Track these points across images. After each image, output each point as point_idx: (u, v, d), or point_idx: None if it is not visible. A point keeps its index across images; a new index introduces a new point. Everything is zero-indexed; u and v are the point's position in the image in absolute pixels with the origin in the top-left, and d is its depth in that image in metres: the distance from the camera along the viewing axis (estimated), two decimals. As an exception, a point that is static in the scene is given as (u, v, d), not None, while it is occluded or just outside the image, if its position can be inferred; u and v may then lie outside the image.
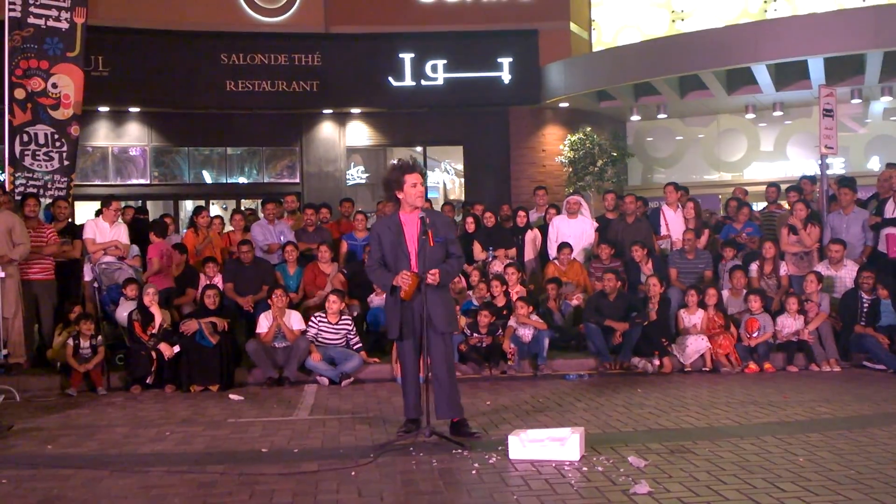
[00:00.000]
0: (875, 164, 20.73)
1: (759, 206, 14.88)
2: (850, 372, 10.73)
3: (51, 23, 12.52)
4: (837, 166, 20.32)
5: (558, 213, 13.72)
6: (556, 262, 12.69)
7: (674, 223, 12.91)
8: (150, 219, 14.27)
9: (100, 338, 10.47)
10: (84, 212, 13.97)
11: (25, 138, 12.28)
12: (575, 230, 13.14)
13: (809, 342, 11.00)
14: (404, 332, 7.19)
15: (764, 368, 10.88)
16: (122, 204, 13.17)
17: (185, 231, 14.31)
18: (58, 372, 10.48)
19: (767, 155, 22.58)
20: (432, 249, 7.02)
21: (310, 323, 10.86)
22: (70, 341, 10.28)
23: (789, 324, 11.12)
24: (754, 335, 11.01)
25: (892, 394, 9.12)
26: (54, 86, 12.49)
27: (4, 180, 12.37)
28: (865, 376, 10.40)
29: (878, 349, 10.71)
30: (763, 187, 14.54)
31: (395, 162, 7.57)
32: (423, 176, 7.35)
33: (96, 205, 12.60)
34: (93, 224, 11.88)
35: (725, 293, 11.74)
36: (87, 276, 11.78)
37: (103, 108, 20.07)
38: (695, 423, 7.75)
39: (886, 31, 16.59)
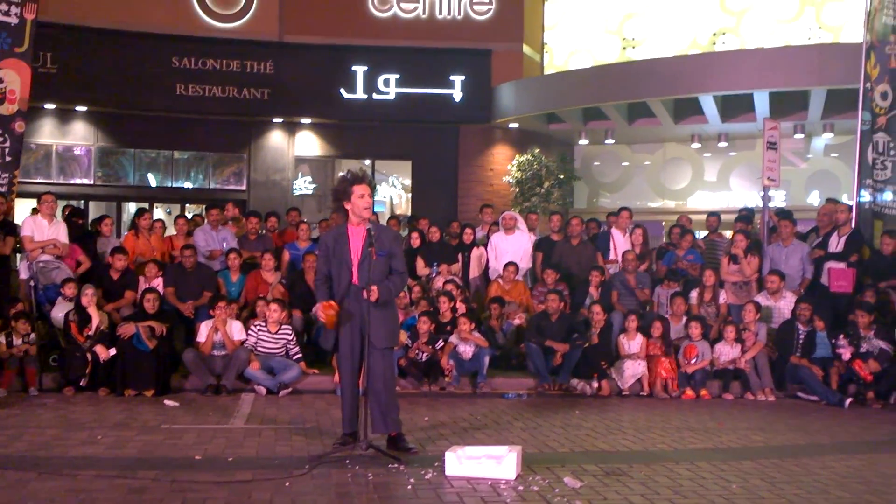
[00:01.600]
0: (815, 199, 21.14)
1: (700, 234, 15.07)
2: (785, 402, 10.87)
3: (0, 17, 12.31)
4: (779, 199, 20.67)
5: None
6: (499, 280, 12.74)
7: (622, 248, 13.00)
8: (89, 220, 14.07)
9: (33, 336, 10.27)
10: (24, 209, 13.71)
11: (-32, 132, 12.06)
12: (513, 245, 13.21)
13: (746, 371, 11.12)
14: (341, 346, 7.17)
15: (700, 395, 10.98)
16: (61, 203, 12.92)
17: (125, 233, 14.11)
18: (-12, 371, 10.25)
19: (711, 185, 22.90)
20: (375, 263, 7.00)
21: (249, 331, 10.77)
22: (2, 339, 10.07)
23: (726, 352, 11.25)
24: (692, 361, 11.13)
25: (824, 424, 9.26)
26: (0, 81, 12.26)
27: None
28: (799, 406, 10.53)
29: (812, 380, 10.87)
30: (705, 216, 14.74)
31: (345, 173, 7.54)
32: (372, 188, 7.32)
33: (35, 202, 12.36)
34: (31, 221, 11.63)
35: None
36: (24, 275, 11.56)
37: (49, 106, 19.73)
38: (631, 447, 7.81)
39: (830, 69, 16.94)
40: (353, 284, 7.08)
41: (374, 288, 6.93)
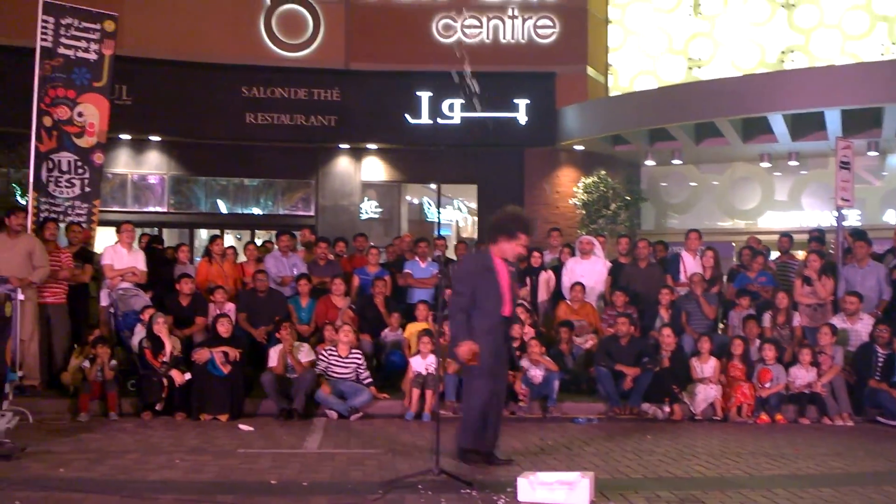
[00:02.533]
0: (891, 218, 20.73)
1: (773, 255, 14.87)
2: (863, 427, 10.64)
3: (80, 53, 12.67)
4: (853, 218, 20.27)
5: (573, 253, 13.75)
6: (567, 302, 12.70)
7: (692, 270, 12.86)
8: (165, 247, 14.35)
9: (113, 362, 10.51)
10: (103, 238, 14.06)
11: (50, 165, 12.41)
12: (588, 270, 13.16)
13: (822, 395, 10.92)
14: (487, 370, 7.44)
15: (775, 420, 10.82)
16: (139, 231, 13.22)
17: (198, 259, 14.36)
18: (70, 396, 10.52)
19: (782, 204, 22.57)
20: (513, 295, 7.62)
21: (320, 356, 10.86)
22: (86, 364, 10.33)
23: (802, 375, 11.06)
24: (767, 385, 10.96)
25: (904, 450, 9.07)
26: (80, 115, 12.61)
27: (27, 204, 12.48)
28: (878, 432, 10.32)
29: (892, 405, 10.62)
30: (776, 236, 14.55)
31: (518, 214, 7.90)
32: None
33: (114, 231, 12.69)
34: (111, 250, 11.95)
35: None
36: (104, 302, 11.86)
37: (125, 136, 20.27)
38: (705, 473, 7.72)
39: (904, 85, 16.66)
40: (504, 316, 7.52)
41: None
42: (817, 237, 13.55)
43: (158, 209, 21.39)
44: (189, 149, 21.05)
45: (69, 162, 12.56)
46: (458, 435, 7.62)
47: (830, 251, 13.41)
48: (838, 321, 11.69)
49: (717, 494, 6.70)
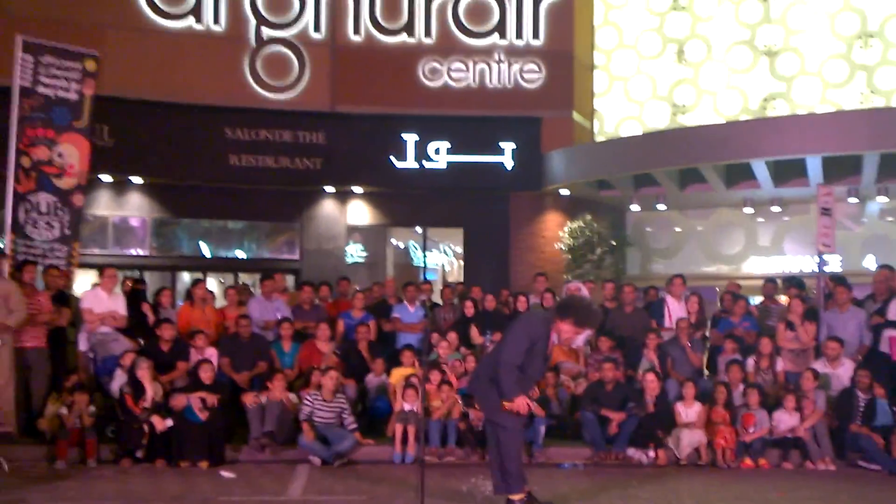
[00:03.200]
0: (871, 263, 20.81)
1: (754, 300, 14.90)
2: (845, 471, 10.64)
3: (60, 93, 12.57)
4: (834, 264, 20.39)
5: (554, 298, 13.75)
6: (558, 345, 12.64)
7: (677, 315, 12.88)
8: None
9: (92, 408, 10.39)
10: (83, 281, 13.94)
11: (28, 206, 12.28)
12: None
13: (805, 439, 10.92)
14: (520, 421, 7.85)
15: (759, 464, 10.80)
16: (121, 275, 13.11)
17: (180, 304, 14.25)
18: (47, 442, 10.36)
19: (765, 250, 22.69)
20: None
21: (304, 401, 10.78)
22: (63, 410, 10.20)
23: (785, 420, 11.05)
24: (751, 430, 10.95)
25: (887, 495, 9.09)
26: (60, 155, 12.48)
27: (4, 246, 12.35)
28: (860, 476, 10.32)
29: (873, 449, 10.64)
30: (760, 282, 14.59)
31: (595, 308, 8.24)
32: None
33: (94, 274, 12.57)
34: (91, 294, 11.83)
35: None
36: (83, 346, 11.73)
37: (106, 178, 20.11)
38: (690, 519, 7.69)
39: (883, 134, 16.86)
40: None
41: None
42: (797, 283, 13.60)
43: (140, 252, 21.22)
44: (172, 191, 20.90)
45: (48, 203, 12.44)
46: (510, 486, 7.78)
47: (813, 294, 13.45)
48: (820, 366, 11.73)
49: (701, 542, 6.67)
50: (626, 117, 23.70)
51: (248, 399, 10.67)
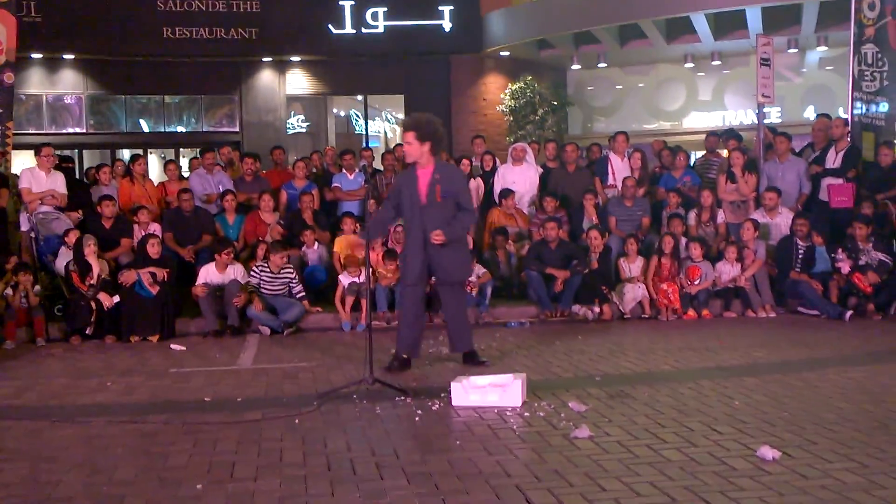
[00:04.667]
0: (811, 114, 20.91)
1: (696, 154, 15.03)
2: (786, 318, 10.96)
3: (-20, -32, 12.15)
4: (774, 115, 20.57)
5: (494, 160, 13.80)
6: (499, 208, 12.71)
7: (620, 172, 12.95)
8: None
9: (38, 288, 10.32)
10: (19, 162, 13.64)
11: (-45, 85, 11.95)
12: (520, 176, 13.17)
13: (746, 289, 11.20)
14: (409, 277, 7.82)
15: (702, 315, 11.07)
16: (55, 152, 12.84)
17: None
18: (-6, 324, 10.31)
19: (706, 104, 22.78)
20: (438, 205, 7.54)
21: (251, 272, 10.78)
22: (8, 291, 10.12)
23: (727, 271, 11.30)
24: (696, 283, 11.18)
25: (824, 338, 9.35)
26: (-15, 32, 12.12)
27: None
28: (800, 322, 10.62)
29: (812, 295, 10.94)
30: (702, 136, 14.67)
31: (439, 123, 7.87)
32: (412, 131, 7.58)
33: (31, 154, 12.31)
34: (28, 173, 11.59)
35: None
36: (24, 226, 11.57)
37: (37, 55, 19.58)
38: (634, 369, 7.89)
39: (822, -20, 16.78)
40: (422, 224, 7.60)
41: (440, 232, 7.48)
42: (733, 135, 13.70)
43: (77, 130, 20.84)
44: (106, 66, 20.47)
45: None
46: (471, 338, 8.11)
47: (752, 147, 13.57)
48: (759, 216, 11.93)
49: (645, 389, 6.86)
50: (565, -26, 23.27)
51: (199, 290, 10.59)
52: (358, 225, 11.57)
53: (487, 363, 7.96)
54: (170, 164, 13.61)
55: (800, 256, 11.30)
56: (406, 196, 7.63)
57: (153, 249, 10.62)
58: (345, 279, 10.81)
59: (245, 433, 5.82)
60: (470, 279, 10.79)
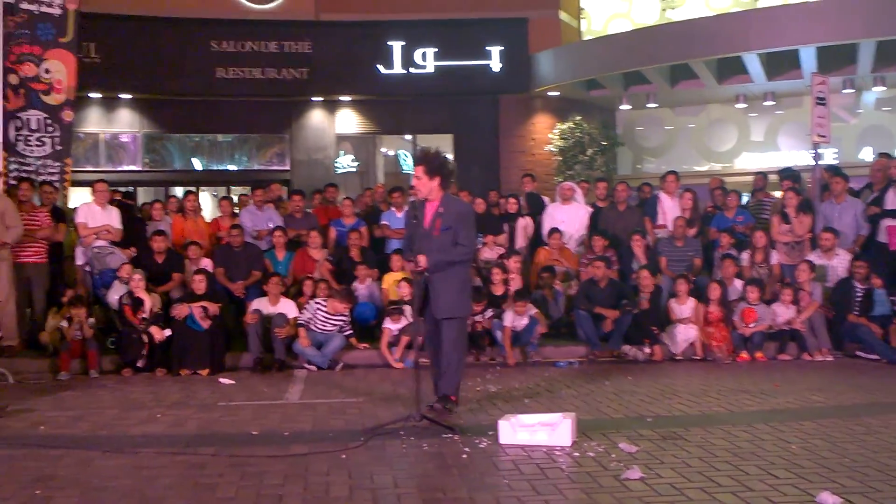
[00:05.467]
0: (867, 155, 20.68)
1: (746, 195, 14.86)
2: (843, 361, 10.74)
3: (43, 9, 12.48)
4: (829, 156, 20.31)
5: (540, 201, 13.83)
6: (547, 247, 12.65)
7: (671, 212, 12.84)
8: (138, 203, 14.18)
9: (91, 320, 10.45)
10: (77, 198, 13.91)
11: (18, 124, 12.24)
12: (569, 215, 13.13)
13: (801, 331, 10.99)
14: (414, 309, 7.65)
15: (756, 357, 10.87)
16: (111, 189, 13.05)
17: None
18: (49, 355, 10.45)
19: (758, 145, 22.55)
20: (436, 238, 7.36)
21: (306, 306, 10.78)
22: (63, 323, 10.26)
23: (782, 313, 11.11)
24: (751, 325, 10.98)
25: (885, 383, 9.13)
26: (47, 71, 12.43)
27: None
28: (858, 366, 10.40)
29: (871, 338, 10.71)
30: (752, 178, 14.50)
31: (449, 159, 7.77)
32: (421, 166, 7.51)
33: (88, 190, 12.57)
34: (85, 208, 11.86)
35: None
36: (79, 260, 11.76)
37: (95, 95, 19.99)
38: (686, 411, 7.74)
39: (879, 20, 16.52)
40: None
41: (422, 257, 7.18)
42: (791, 175, 13.53)
43: (133, 168, 21.17)
44: (161, 106, 20.81)
45: (38, 120, 12.40)
46: (455, 386, 7.57)
47: (808, 186, 13.39)
48: (815, 258, 11.73)
49: (698, 431, 6.73)
50: (614, 14, 23.30)
51: (250, 318, 10.65)
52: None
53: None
54: (223, 201, 13.77)
55: (858, 299, 11.07)
56: (415, 227, 7.46)
57: (199, 285, 10.68)
58: (391, 325, 10.76)
59: (292, 467, 5.79)
60: (477, 318, 10.75)
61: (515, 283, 11.60)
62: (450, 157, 7.79)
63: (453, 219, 7.45)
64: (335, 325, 10.71)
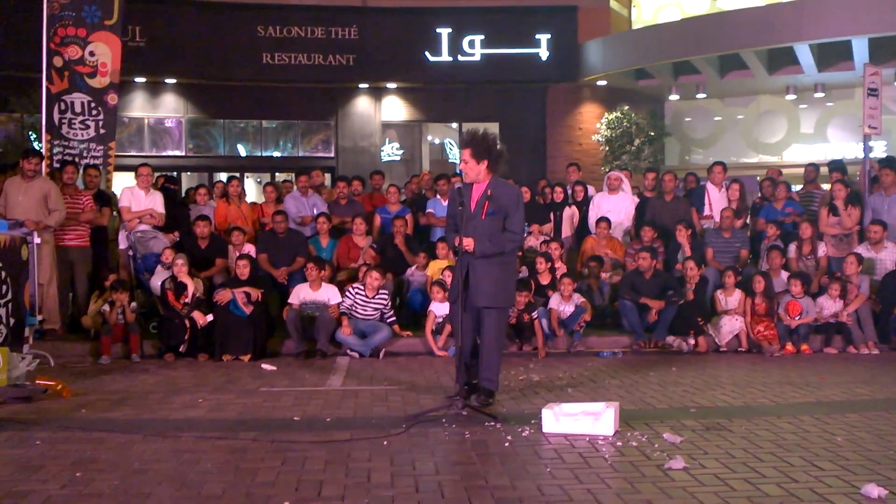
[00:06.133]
0: (918, 148, 20.38)
1: (795, 187, 14.65)
2: (890, 355, 10.58)
3: (89, -10, 12.50)
4: (879, 149, 19.95)
5: (585, 190, 13.77)
6: (594, 236, 12.57)
7: (717, 203, 12.70)
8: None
9: (134, 305, 10.52)
10: (120, 182, 13.99)
11: (62, 106, 12.23)
12: (616, 205, 13.04)
13: (848, 324, 10.83)
14: (452, 295, 7.41)
15: (801, 350, 10.73)
16: (155, 174, 13.11)
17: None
18: (91, 339, 10.53)
19: (807, 137, 22.26)
20: (483, 222, 7.15)
21: (346, 293, 10.79)
22: (105, 308, 10.34)
23: (829, 306, 10.95)
24: (797, 318, 10.83)
25: (932, 377, 8.97)
26: (91, 54, 12.41)
27: (42, 147, 12.37)
28: (905, 360, 10.24)
29: (919, 332, 10.54)
30: (802, 170, 14.32)
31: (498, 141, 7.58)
32: (468, 149, 7.33)
33: (132, 175, 12.62)
34: (128, 192, 11.87)
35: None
36: (122, 245, 11.84)
37: (140, 79, 20.15)
38: (730, 402, 7.65)
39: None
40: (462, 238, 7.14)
41: (470, 240, 7.04)
42: (839, 166, 13.31)
43: (177, 153, 21.33)
44: (206, 91, 20.93)
45: (82, 103, 12.38)
46: (495, 375, 7.41)
47: (856, 180, 13.17)
48: (863, 250, 11.54)
49: (742, 422, 6.63)
50: (664, 4, 23.09)
51: (285, 313, 10.66)
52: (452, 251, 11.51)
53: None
54: (267, 187, 13.76)
55: (907, 292, 10.89)
56: (460, 210, 7.21)
57: (242, 270, 10.71)
58: (437, 308, 10.71)
59: (333, 453, 5.77)
60: (520, 310, 10.65)
61: (561, 270, 11.53)
62: (498, 138, 7.61)
63: (502, 202, 7.22)
64: (376, 308, 10.70)
